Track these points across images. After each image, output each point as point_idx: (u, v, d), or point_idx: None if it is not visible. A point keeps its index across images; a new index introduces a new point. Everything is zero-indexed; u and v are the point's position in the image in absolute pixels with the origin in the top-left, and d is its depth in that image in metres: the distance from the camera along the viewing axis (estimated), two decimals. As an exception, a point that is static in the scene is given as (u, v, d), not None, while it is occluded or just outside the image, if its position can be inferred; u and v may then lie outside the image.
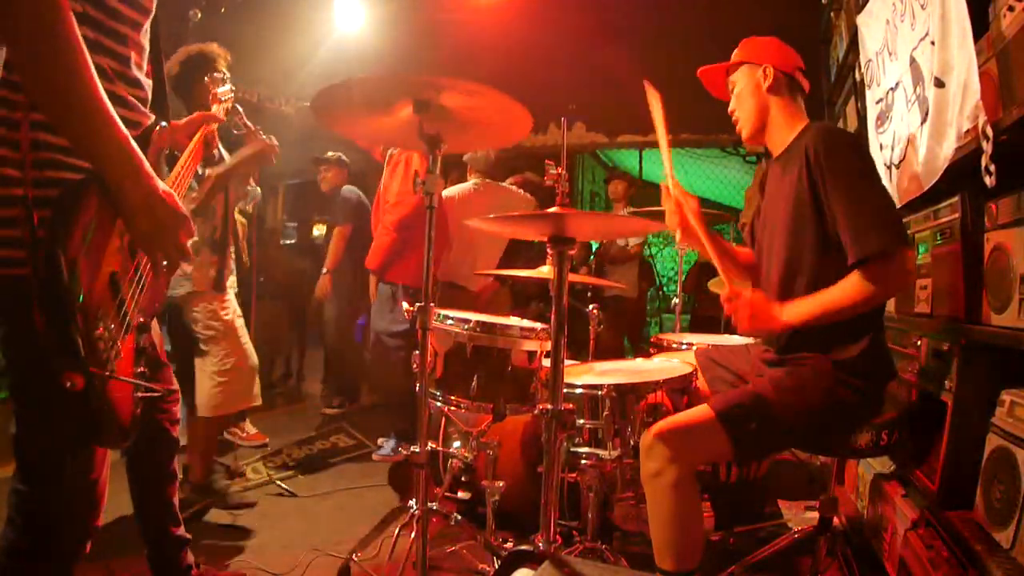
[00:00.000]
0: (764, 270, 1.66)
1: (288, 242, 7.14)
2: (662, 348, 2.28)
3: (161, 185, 1.01)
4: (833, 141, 1.48)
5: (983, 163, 1.34)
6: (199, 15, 3.51)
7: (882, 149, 2.15)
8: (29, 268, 0.93)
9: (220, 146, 2.16)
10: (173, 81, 2.24)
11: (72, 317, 0.90)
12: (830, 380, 1.46)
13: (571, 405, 1.36)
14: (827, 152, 1.45)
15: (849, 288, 1.42)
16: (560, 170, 1.57)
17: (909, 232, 1.85)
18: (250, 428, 3.35)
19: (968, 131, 1.46)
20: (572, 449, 1.82)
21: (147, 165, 0.99)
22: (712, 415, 1.43)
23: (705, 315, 5.44)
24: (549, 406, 1.33)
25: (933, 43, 1.65)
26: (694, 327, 5.55)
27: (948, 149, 1.59)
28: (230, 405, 2.50)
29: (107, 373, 0.96)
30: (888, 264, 1.39)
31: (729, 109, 1.70)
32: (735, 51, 1.70)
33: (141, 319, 1.14)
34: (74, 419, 0.97)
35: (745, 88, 1.64)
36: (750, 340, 1.88)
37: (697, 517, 1.49)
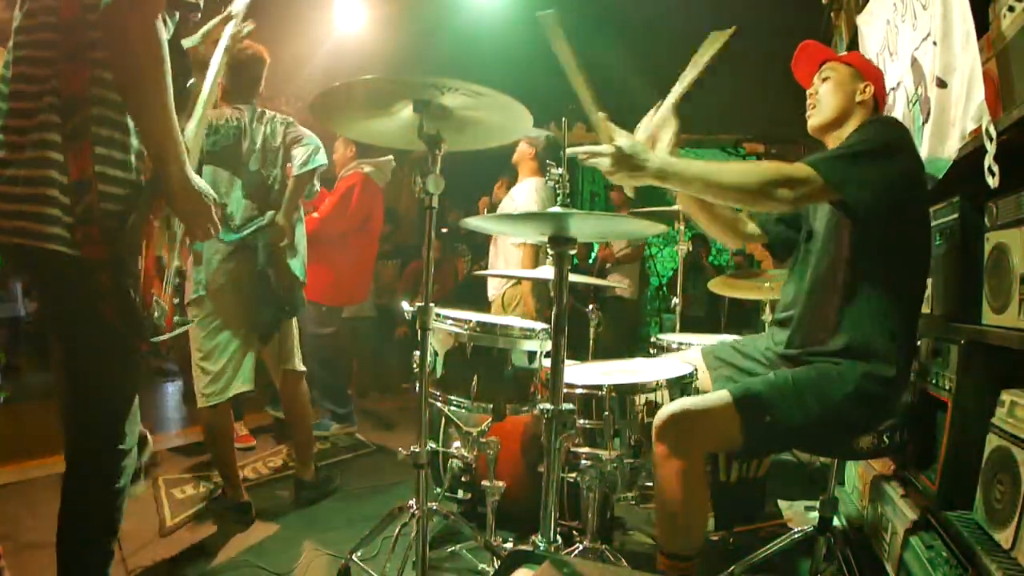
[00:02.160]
0: (811, 263, 1.63)
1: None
2: (661, 349, 2.28)
3: (196, 178, 1.29)
4: (882, 119, 1.54)
5: (986, 163, 1.33)
6: (199, 16, 3.52)
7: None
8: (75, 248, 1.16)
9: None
10: None
11: (135, 307, 1.22)
12: (855, 386, 1.42)
13: (571, 405, 1.36)
14: (870, 121, 1.51)
15: (751, 167, 1.41)
16: (561, 170, 1.57)
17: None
18: (241, 429, 3.34)
19: (971, 131, 1.46)
20: (572, 449, 1.82)
21: (188, 161, 1.27)
22: (729, 400, 1.42)
23: (691, 316, 5.41)
24: (549, 406, 1.33)
25: (935, 43, 1.65)
26: (682, 327, 5.55)
27: (951, 149, 1.59)
28: None
29: (160, 337, 1.30)
30: (808, 181, 1.37)
31: (810, 91, 1.70)
32: (846, 54, 1.71)
33: (177, 263, 1.42)
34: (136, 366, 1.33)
35: (841, 86, 1.63)
36: (741, 337, 1.87)
37: (703, 503, 1.49)
